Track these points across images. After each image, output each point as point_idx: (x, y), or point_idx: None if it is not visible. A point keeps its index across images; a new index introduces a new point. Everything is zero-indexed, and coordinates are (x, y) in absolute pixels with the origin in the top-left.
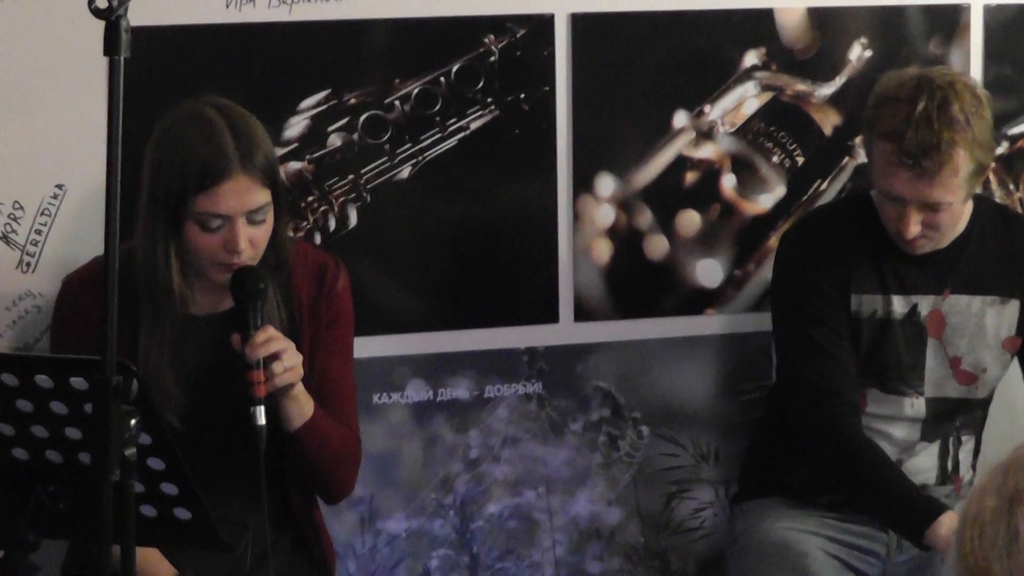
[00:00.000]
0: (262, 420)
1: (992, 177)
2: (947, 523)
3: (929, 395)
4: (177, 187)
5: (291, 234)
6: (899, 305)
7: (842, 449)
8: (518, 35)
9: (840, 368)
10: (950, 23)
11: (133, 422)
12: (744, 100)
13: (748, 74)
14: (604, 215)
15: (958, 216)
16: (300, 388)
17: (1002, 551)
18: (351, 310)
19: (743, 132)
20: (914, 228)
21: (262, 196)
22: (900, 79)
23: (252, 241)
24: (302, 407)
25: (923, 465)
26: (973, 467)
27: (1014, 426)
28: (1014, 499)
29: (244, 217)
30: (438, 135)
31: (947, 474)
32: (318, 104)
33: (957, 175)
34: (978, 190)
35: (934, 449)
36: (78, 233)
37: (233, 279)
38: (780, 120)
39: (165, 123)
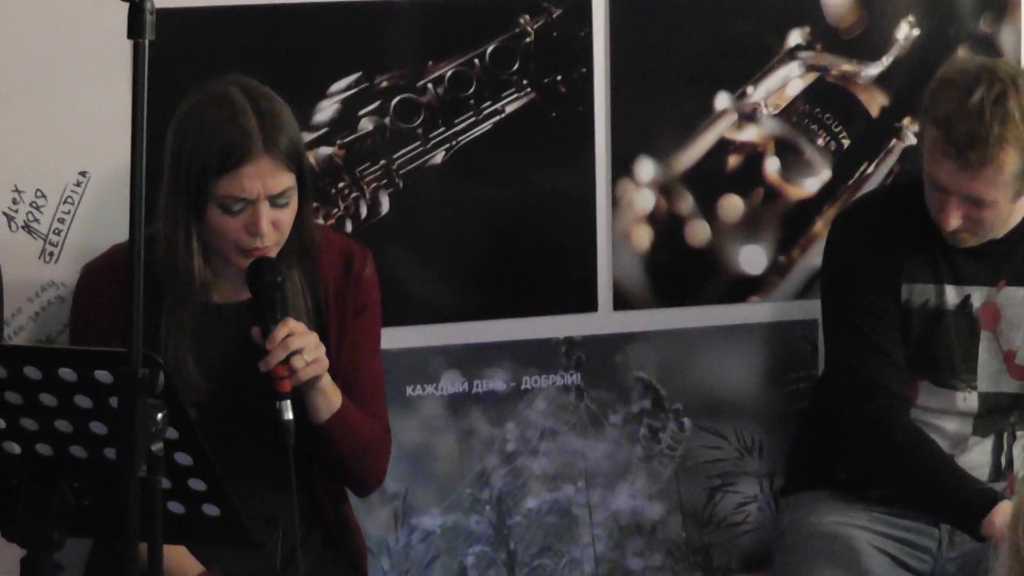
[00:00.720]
0: (289, 415)
1: None
2: (1003, 512)
3: (982, 389)
4: (199, 169)
5: (319, 221)
6: (952, 295)
7: (891, 442)
8: (554, 15)
9: (889, 361)
10: (1000, 1)
11: (160, 416)
12: (788, 81)
13: (792, 54)
14: (644, 200)
15: (1004, 215)
16: (327, 380)
17: None
18: (378, 298)
19: (787, 114)
20: (954, 221)
21: (286, 179)
22: (964, 65)
23: (276, 224)
24: (329, 399)
25: (976, 461)
26: None
27: None
28: None
29: (267, 200)
30: (472, 119)
31: (1001, 471)
32: (349, 87)
33: (1003, 172)
34: None
35: (987, 445)
36: (102, 221)
37: (250, 271)
38: (825, 101)
39: (188, 103)
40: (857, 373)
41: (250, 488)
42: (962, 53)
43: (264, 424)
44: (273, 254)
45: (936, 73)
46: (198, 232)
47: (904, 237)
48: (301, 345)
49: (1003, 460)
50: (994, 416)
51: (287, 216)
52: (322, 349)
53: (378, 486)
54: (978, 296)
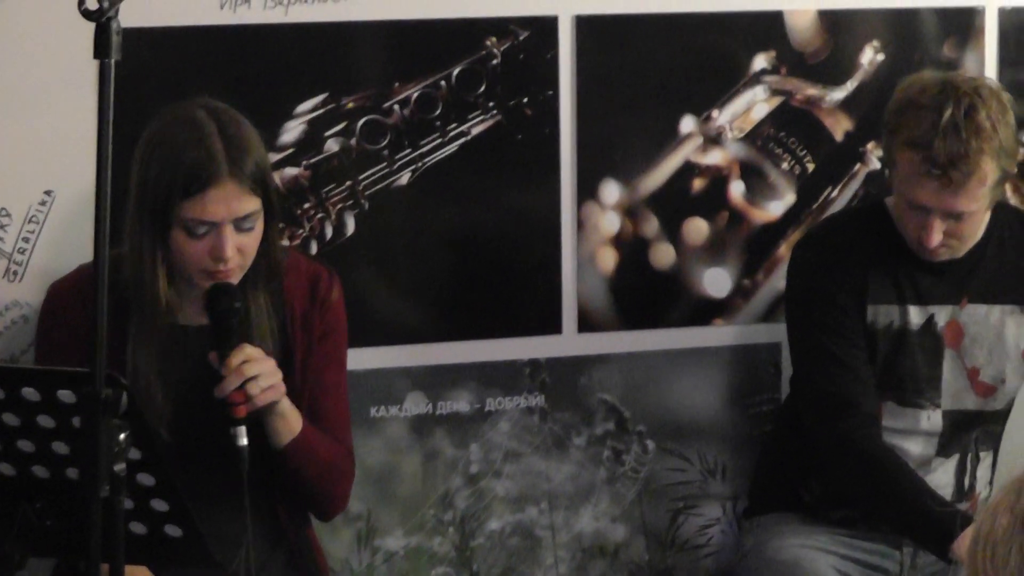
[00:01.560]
0: (244, 441)
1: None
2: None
3: (946, 407)
4: (164, 192)
5: (285, 242)
6: (916, 315)
7: (863, 461)
8: (521, 38)
9: (858, 379)
10: (964, 26)
11: (123, 436)
12: (753, 105)
13: (757, 78)
14: (609, 223)
15: (980, 224)
16: (286, 404)
17: (1014, 571)
18: (344, 322)
19: (752, 138)
20: (937, 237)
21: (251, 203)
22: (923, 84)
23: (241, 249)
24: (289, 423)
25: (939, 482)
26: (991, 484)
27: None
28: None
29: (231, 224)
30: (438, 140)
31: (964, 491)
32: (315, 108)
33: (984, 184)
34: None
35: (951, 465)
36: (67, 241)
37: (208, 296)
38: (790, 125)
39: (155, 125)
40: (827, 392)
41: (213, 509)
42: None
43: (227, 446)
44: (237, 278)
45: (895, 93)
46: (163, 254)
47: (867, 258)
48: (257, 372)
49: (966, 481)
50: (958, 435)
51: (252, 240)
52: (279, 375)
53: (340, 510)
54: (942, 315)
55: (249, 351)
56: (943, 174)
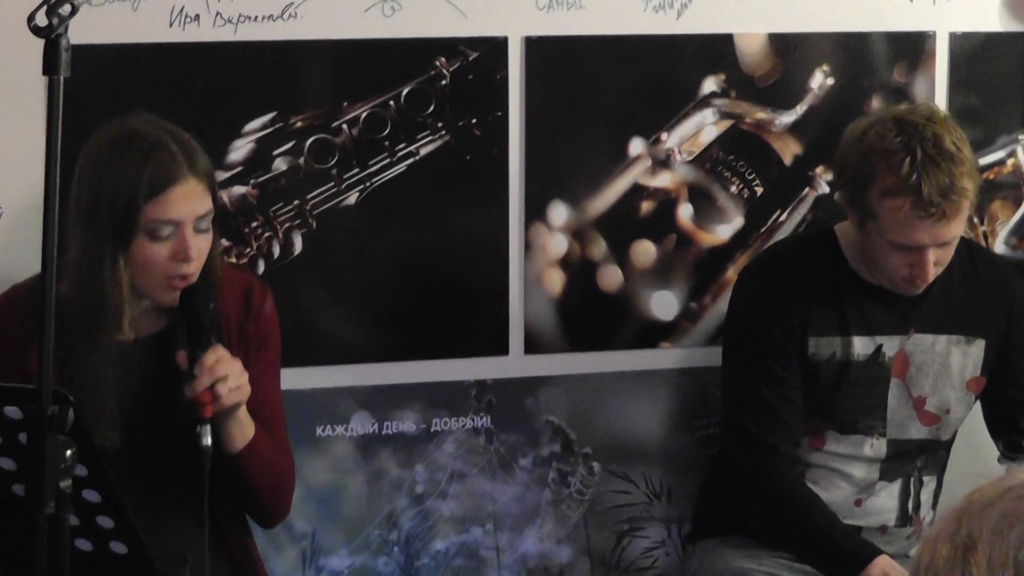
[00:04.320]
0: (208, 440)
1: None
2: (880, 567)
3: (891, 436)
4: (125, 200)
5: (232, 260)
6: (860, 346)
7: (773, 495)
8: (470, 58)
9: (781, 423)
10: (915, 51)
11: (69, 453)
12: (702, 128)
13: (707, 101)
14: (557, 245)
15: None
16: (243, 409)
17: None
18: (278, 332)
19: (701, 161)
20: (933, 269)
21: (207, 203)
22: (877, 130)
23: (198, 251)
24: (244, 428)
25: (884, 506)
26: (934, 508)
27: (975, 466)
28: (968, 548)
29: (192, 224)
30: (387, 160)
31: (908, 515)
32: (263, 127)
33: (970, 204)
34: None
35: (894, 489)
36: (14, 257)
37: (183, 297)
38: (739, 149)
39: (98, 140)
40: (748, 431)
41: (159, 525)
42: (876, 103)
43: (176, 459)
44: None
45: (847, 143)
46: (125, 263)
47: (812, 288)
48: (227, 372)
49: (910, 505)
50: (901, 461)
51: (207, 244)
52: (245, 376)
53: (284, 517)
54: (891, 345)
55: (222, 352)
56: (937, 210)
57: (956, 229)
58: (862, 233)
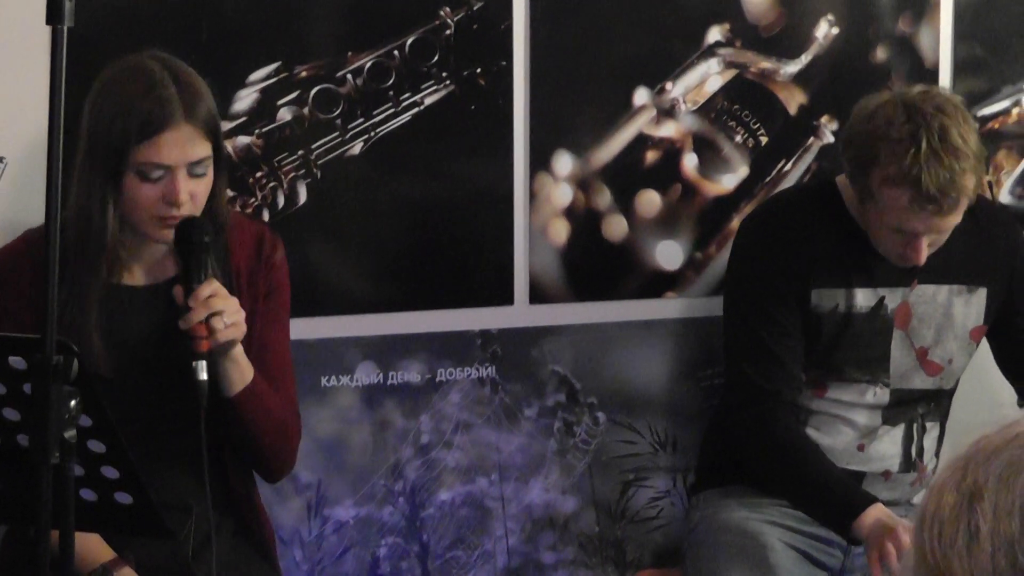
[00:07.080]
0: (204, 376)
1: None
2: (873, 515)
3: (895, 387)
4: (118, 137)
5: (237, 209)
6: (863, 298)
7: (771, 442)
8: (475, 7)
9: (784, 371)
10: (920, 1)
11: (73, 403)
12: (707, 77)
13: (711, 51)
14: (562, 194)
15: None
16: (239, 350)
17: (962, 549)
18: (288, 282)
19: (706, 110)
20: (925, 254)
21: (203, 148)
22: (886, 115)
23: (192, 196)
24: (242, 370)
25: (886, 451)
26: (937, 455)
27: (978, 413)
28: (974, 495)
29: (185, 169)
30: (391, 110)
31: (911, 461)
32: (268, 77)
33: (969, 197)
34: None
35: (897, 435)
36: (19, 207)
37: (178, 230)
38: (744, 98)
39: (105, 75)
40: (751, 379)
41: (163, 475)
42: (880, 53)
43: (175, 407)
44: None
45: (854, 122)
46: (114, 202)
47: (814, 240)
48: (222, 307)
49: (913, 450)
50: (904, 407)
51: (203, 187)
52: (242, 314)
53: (288, 471)
54: (893, 297)
55: (217, 285)
56: (936, 203)
57: (952, 220)
58: (862, 207)
